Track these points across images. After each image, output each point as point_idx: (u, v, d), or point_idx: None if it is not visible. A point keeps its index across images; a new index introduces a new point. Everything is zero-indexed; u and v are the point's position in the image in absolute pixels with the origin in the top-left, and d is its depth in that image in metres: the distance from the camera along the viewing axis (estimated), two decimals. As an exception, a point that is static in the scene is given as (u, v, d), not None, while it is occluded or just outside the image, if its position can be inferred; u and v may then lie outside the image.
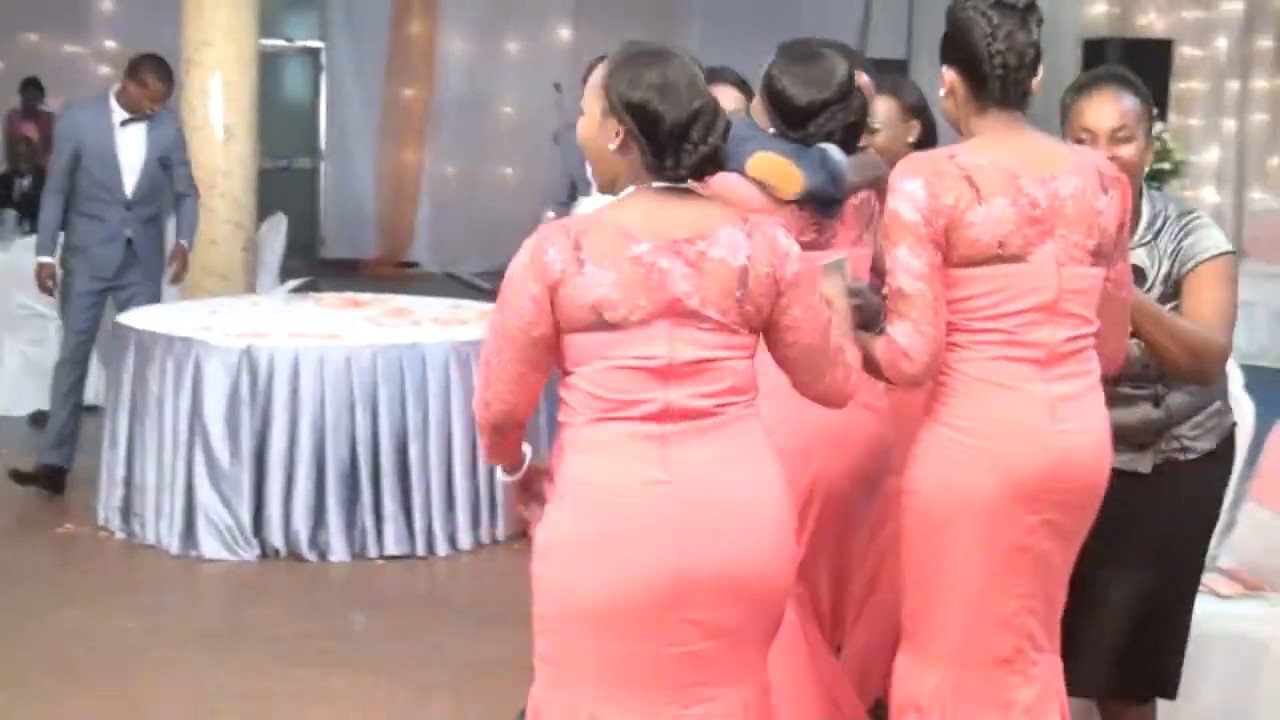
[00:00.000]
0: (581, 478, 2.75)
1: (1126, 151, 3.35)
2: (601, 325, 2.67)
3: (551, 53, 13.38)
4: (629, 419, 2.71)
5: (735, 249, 2.70)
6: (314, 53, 14.02)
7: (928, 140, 4.18)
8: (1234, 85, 11.18)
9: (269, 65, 9.94)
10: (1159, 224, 3.55)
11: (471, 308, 7.31)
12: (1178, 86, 10.87)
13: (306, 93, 14.16)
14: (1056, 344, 2.97)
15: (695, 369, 2.71)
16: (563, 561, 2.74)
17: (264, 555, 6.03)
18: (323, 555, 6.04)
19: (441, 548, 6.15)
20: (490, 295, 9.86)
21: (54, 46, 12.39)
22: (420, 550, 6.13)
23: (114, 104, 6.76)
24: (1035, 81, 3.01)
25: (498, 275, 10.53)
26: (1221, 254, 3.53)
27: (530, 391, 2.79)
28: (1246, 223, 11.60)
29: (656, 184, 2.74)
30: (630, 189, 2.77)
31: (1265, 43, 11.01)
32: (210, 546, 6.01)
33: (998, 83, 2.96)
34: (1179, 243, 3.54)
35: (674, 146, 2.71)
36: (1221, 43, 11.28)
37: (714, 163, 2.77)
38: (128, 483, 6.29)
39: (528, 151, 12.77)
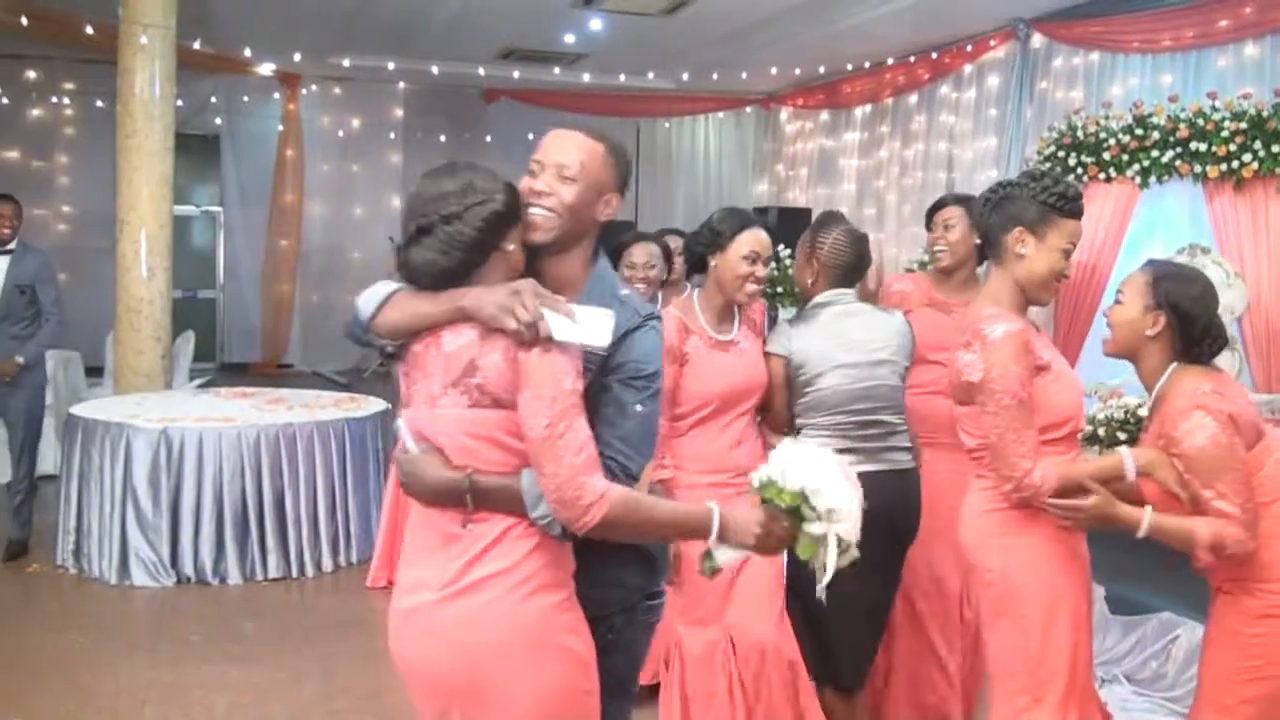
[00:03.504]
0: None
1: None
2: None
3: (386, 213, 13.36)
4: None
5: None
6: (214, 215, 13.78)
7: None
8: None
9: (181, 224, 9.70)
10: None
11: (329, 396, 7.26)
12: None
13: (209, 243, 13.87)
14: None
15: None
16: None
17: (179, 581, 5.84)
18: (223, 579, 5.88)
19: (310, 570, 6.04)
20: (344, 387, 9.77)
21: (27, 210, 11.88)
22: (294, 573, 6.01)
23: None
24: None
25: (350, 372, 10.49)
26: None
27: None
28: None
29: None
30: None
31: (869, 210, 11.52)
32: (139, 576, 5.82)
33: None
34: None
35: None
36: (843, 209, 11.74)
37: None
38: (77, 531, 6.04)
39: (370, 284, 12.60)
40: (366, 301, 2.25)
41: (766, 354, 3.46)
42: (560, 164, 2.32)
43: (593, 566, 2.24)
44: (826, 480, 2.18)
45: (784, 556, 3.56)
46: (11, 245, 6.37)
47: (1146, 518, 2.62)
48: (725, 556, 2.18)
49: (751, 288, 3.35)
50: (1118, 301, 2.83)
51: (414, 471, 2.17)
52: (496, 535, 2.11)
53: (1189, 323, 2.74)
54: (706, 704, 3.28)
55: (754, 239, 3.35)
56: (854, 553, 2.22)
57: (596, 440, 2.10)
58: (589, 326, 2.07)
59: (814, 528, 2.17)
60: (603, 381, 2.21)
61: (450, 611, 2.11)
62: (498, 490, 2.10)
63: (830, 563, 2.18)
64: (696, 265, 3.45)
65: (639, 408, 2.21)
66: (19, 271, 6.32)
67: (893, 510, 3.42)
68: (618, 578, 2.32)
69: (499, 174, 2.23)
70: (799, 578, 3.54)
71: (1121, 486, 2.75)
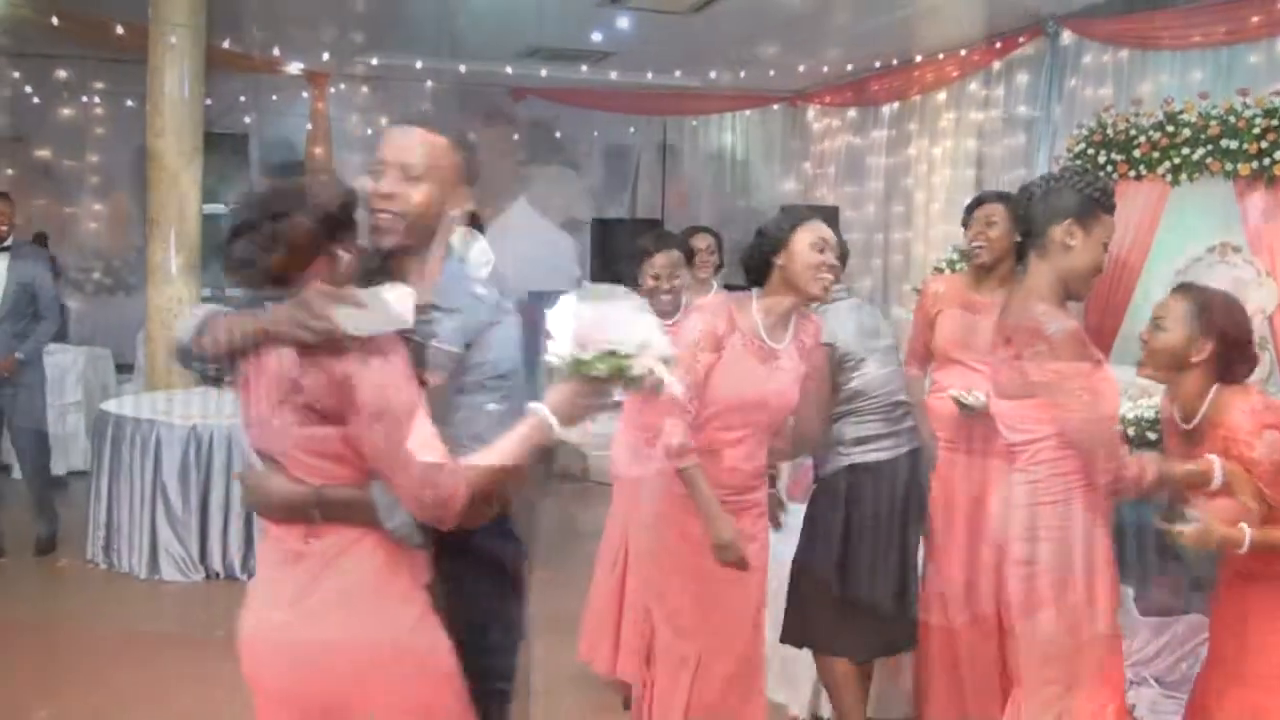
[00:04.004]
0: None
1: None
2: None
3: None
4: None
5: None
6: (243, 213, 13.88)
7: None
8: (879, 236, 11.65)
9: (210, 223, 9.76)
10: None
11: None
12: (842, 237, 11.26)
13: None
14: None
15: None
16: None
17: (208, 577, 5.90)
18: (251, 575, 5.89)
19: (338, 567, 6.06)
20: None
21: (58, 209, 12.03)
22: (322, 569, 6.04)
23: None
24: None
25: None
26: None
27: None
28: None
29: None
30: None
31: (898, 208, 11.50)
32: (168, 572, 5.91)
33: None
34: None
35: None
36: (870, 207, 11.77)
37: None
38: (108, 526, 6.12)
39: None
40: (184, 327, 2.19)
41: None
42: (404, 164, 2.23)
43: (449, 580, 2.17)
44: (618, 324, 2.10)
45: (791, 554, 3.60)
46: (8, 243, 6.39)
47: (1248, 535, 2.72)
48: (574, 435, 2.12)
49: (826, 276, 3.24)
50: (1159, 328, 2.86)
51: (258, 488, 2.12)
52: (340, 550, 2.06)
53: (1233, 347, 2.83)
54: (666, 710, 3.25)
55: (815, 228, 3.29)
56: (671, 357, 2.16)
57: (452, 442, 2.02)
58: (385, 311, 2.00)
59: (637, 369, 2.11)
60: (459, 382, 2.15)
61: (302, 630, 2.07)
62: (348, 502, 2.05)
63: (671, 381, 2.13)
64: (759, 274, 3.34)
65: (492, 407, 2.16)
66: (20, 269, 6.35)
67: (920, 485, 3.63)
68: (474, 590, 2.24)
69: (344, 181, 2.17)
70: (810, 552, 3.57)
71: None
